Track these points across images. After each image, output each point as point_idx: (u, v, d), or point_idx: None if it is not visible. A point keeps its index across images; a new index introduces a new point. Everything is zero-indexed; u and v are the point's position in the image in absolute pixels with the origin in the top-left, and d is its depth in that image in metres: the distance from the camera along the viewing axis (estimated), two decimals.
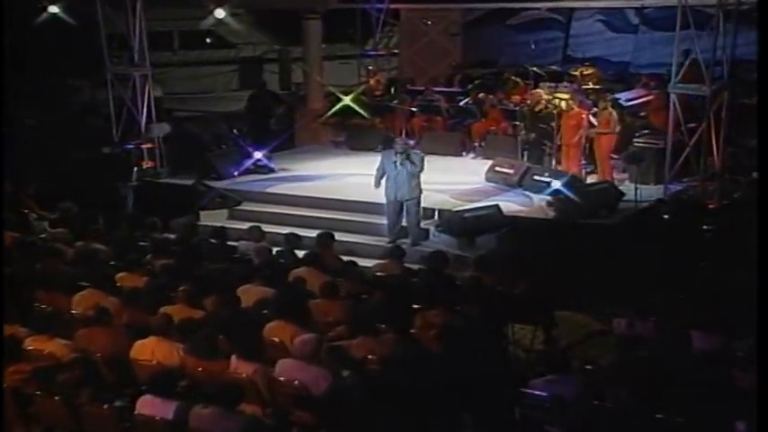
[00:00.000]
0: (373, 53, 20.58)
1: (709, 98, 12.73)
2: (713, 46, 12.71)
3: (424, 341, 8.40)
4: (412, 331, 8.62)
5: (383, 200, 12.66)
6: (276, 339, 8.25)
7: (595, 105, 15.22)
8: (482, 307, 9.28)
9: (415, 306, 9.08)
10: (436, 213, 13.28)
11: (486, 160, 15.76)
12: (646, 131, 15.12)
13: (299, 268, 10.13)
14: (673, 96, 13.04)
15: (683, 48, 13.41)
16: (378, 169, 12.63)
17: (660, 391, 7.17)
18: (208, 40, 25.93)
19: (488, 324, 9.18)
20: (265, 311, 8.77)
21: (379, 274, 10.39)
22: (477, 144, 17.07)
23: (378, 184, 12.64)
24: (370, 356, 7.96)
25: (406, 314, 8.87)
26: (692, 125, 13.44)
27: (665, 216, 12.38)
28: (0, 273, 9.58)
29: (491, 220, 12.56)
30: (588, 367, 7.90)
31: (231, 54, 26.31)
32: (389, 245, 12.13)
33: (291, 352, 7.94)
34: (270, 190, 14.54)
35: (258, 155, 15.10)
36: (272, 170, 15.33)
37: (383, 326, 8.42)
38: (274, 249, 11.11)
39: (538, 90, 15.61)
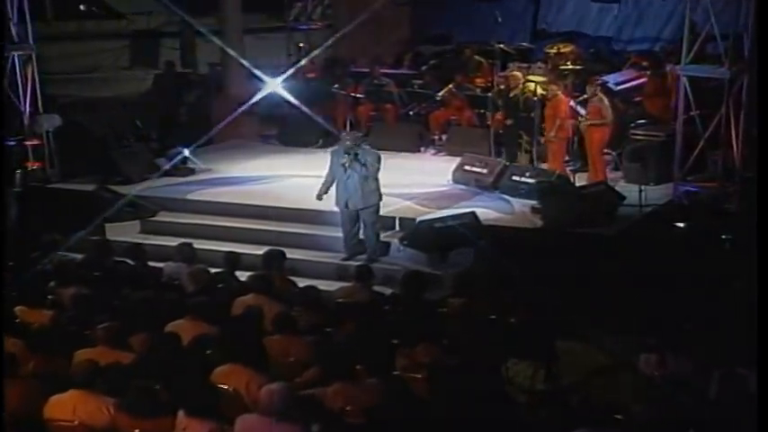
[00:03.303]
0: (304, 26, 20.30)
1: (727, 82, 12.73)
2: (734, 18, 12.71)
3: (411, 385, 8.18)
4: (395, 373, 8.41)
5: (331, 208, 12.49)
6: (229, 388, 7.94)
7: (577, 90, 15.18)
8: (475, 340, 9.09)
9: (395, 341, 8.86)
10: (397, 222, 13.13)
11: (449, 157, 15.66)
12: (642, 121, 15.15)
13: (244, 296, 9.85)
14: (684, 80, 13.04)
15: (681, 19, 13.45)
16: (327, 174, 12.37)
17: None
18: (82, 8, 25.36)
19: (485, 361, 8.98)
20: (209, 352, 8.45)
21: (342, 300, 10.17)
22: (436, 137, 16.98)
23: (322, 195, 12.35)
24: (348, 407, 7.72)
25: (386, 352, 8.66)
26: (698, 112, 13.46)
27: (679, 224, 12.35)
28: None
29: (467, 231, 12.44)
30: (618, 417, 7.70)
31: (120, 26, 25.78)
32: (344, 262, 11.96)
33: (250, 405, 7.69)
34: (191, 196, 14.37)
35: (186, 153, 14.79)
36: (192, 171, 15.02)
37: (359, 367, 8.18)
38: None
39: (515, 72, 15.53)
